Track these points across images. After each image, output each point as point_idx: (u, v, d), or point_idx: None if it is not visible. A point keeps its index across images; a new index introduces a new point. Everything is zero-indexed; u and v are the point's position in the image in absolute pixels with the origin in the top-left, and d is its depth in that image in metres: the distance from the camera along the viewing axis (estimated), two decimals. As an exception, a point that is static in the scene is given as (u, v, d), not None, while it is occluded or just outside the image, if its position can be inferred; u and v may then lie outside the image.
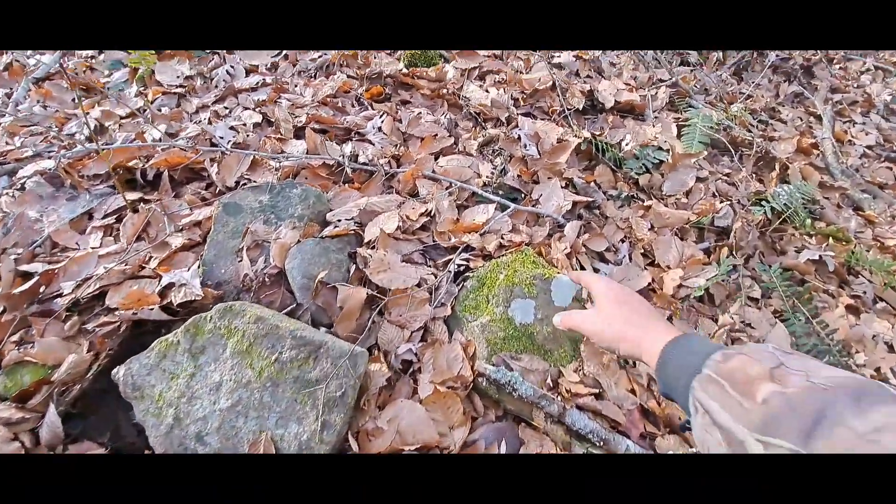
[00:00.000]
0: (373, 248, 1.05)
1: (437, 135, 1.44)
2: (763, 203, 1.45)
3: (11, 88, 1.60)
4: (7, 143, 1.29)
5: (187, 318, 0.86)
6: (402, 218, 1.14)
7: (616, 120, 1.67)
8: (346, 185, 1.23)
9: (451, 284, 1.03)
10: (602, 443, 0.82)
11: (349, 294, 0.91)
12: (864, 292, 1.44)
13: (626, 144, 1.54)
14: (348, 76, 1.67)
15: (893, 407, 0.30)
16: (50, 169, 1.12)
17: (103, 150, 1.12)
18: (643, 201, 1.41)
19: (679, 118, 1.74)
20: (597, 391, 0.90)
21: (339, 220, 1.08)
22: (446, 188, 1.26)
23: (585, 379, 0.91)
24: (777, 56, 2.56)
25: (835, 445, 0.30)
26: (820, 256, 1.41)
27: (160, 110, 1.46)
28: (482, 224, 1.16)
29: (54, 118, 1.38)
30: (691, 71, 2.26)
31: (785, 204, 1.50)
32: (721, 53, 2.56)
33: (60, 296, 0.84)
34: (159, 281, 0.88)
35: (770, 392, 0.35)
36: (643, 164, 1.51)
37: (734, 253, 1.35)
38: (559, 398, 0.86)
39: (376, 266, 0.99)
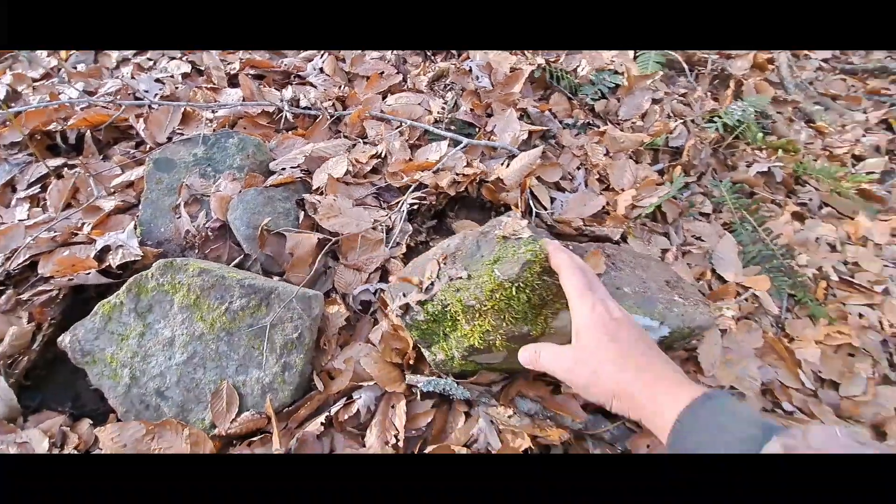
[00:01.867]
0: (321, 194, 1.02)
1: (383, 73, 1.37)
2: (715, 120, 1.45)
3: None
4: None
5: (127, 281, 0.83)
6: (352, 162, 1.10)
7: (570, 45, 1.61)
8: (290, 132, 1.17)
9: (406, 223, 1.02)
10: (547, 419, 0.80)
11: (299, 240, 0.89)
12: (811, 199, 1.50)
13: (582, 70, 1.50)
14: (283, 16, 1.54)
15: None
16: (-44, 139, 1.02)
17: (12, 114, 1.03)
18: (599, 127, 1.39)
19: (634, 39, 1.69)
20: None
21: (284, 169, 1.04)
22: (396, 128, 1.22)
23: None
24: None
25: None
26: (769, 168, 1.45)
27: (76, 68, 1.33)
28: (435, 162, 1.13)
29: (-45, 84, 1.25)
30: (649, -11, 2.17)
31: (738, 120, 1.51)
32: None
33: (-12, 269, 0.80)
34: (94, 245, 0.84)
35: None
36: (598, 90, 1.48)
37: (688, 171, 1.37)
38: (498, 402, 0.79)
39: (326, 212, 0.97)
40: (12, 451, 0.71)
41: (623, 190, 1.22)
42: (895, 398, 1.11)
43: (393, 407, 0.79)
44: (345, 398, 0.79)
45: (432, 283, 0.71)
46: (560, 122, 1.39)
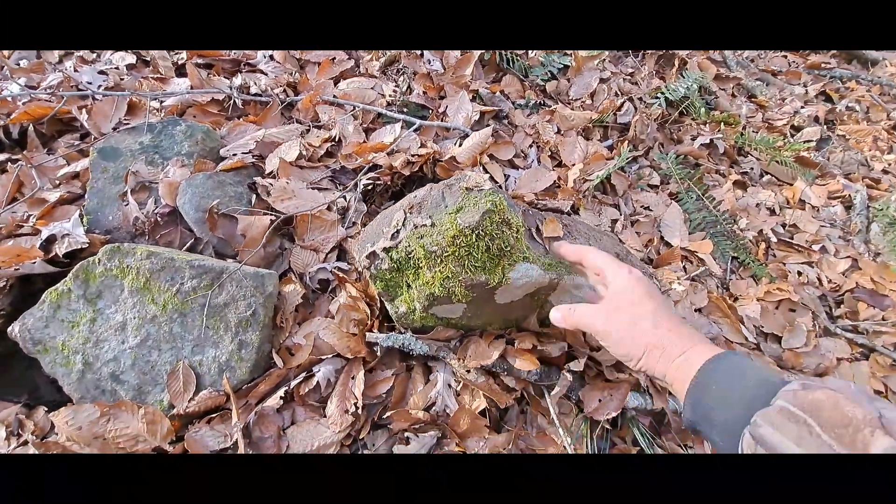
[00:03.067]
0: (274, 178, 1.02)
1: (335, 58, 1.37)
2: (659, 96, 1.52)
3: None
4: None
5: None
6: (305, 146, 1.11)
7: (521, 28, 1.65)
8: (240, 119, 1.16)
9: (360, 203, 1.03)
10: (505, 371, 0.83)
11: (250, 221, 0.90)
12: (752, 168, 1.59)
13: (532, 52, 1.54)
14: (232, 5, 1.52)
15: None
16: None
17: (-55, 108, 0.99)
18: (550, 107, 1.44)
19: (583, 21, 1.74)
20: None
21: (235, 154, 1.04)
22: (350, 112, 1.23)
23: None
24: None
25: None
26: (712, 140, 1.53)
27: (18, 64, 1.28)
28: (389, 144, 1.15)
29: None
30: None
31: (683, 96, 1.58)
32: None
33: (-74, 265, 0.78)
34: (39, 236, 0.83)
35: (890, 447, 0.29)
36: (549, 71, 1.52)
37: (635, 146, 1.43)
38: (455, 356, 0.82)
39: (279, 194, 0.98)
40: (-38, 445, 0.70)
41: (573, 165, 1.27)
42: (836, 349, 1.21)
43: (353, 378, 0.82)
44: (305, 372, 0.81)
45: (398, 231, 0.73)
46: (512, 102, 1.42)
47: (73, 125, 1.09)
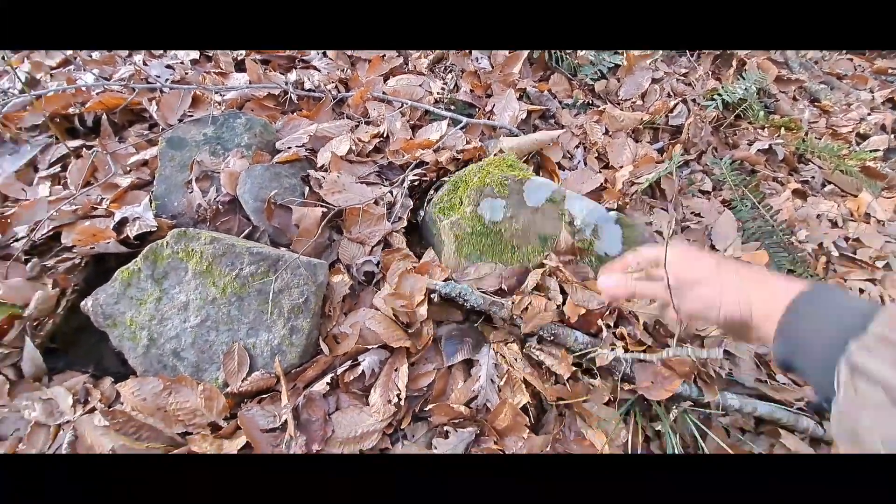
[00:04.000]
0: (326, 171, 1.05)
1: (384, 56, 1.39)
2: (715, 98, 1.46)
3: (-75, 48, 1.49)
4: (-68, 104, 1.22)
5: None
6: (354, 141, 1.13)
7: (571, 27, 1.62)
8: (295, 113, 1.20)
9: (406, 198, 1.05)
10: (552, 336, 0.87)
11: (304, 213, 0.93)
12: (813, 177, 1.50)
13: (582, 51, 1.51)
14: (288, 3, 1.58)
15: None
16: (-17, 123, 1.07)
17: (35, 98, 1.08)
18: (599, 107, 1.41)
19: (636, 20, 1.70)
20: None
21: (290, 147, 1.08)
22: (398, 109, 1.25)
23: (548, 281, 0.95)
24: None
25: None
26: (770, 146, 1.45)
27: (91, 56, 1.38)
28: (436, 141, 1.16)
29: (-23, 73, 1.30)
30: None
31: (740, 98, 1.51)
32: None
33: (17, 240, 0.85)
34: (113, 218, 0.89)
35: None
36: (598, 70, 1.49)
37: (687, 149, 1.38)
38: (510, 302, 0.88)
39: (330, 187, 1.00)
40: (37, 406, 0.76)
41: (622, 167, 1.24)
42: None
43: (396, 369, 0.83)
44: (350, 361, 0.83)
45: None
46: (560, 102, 1.40)
47: (143, 115, 1.16)
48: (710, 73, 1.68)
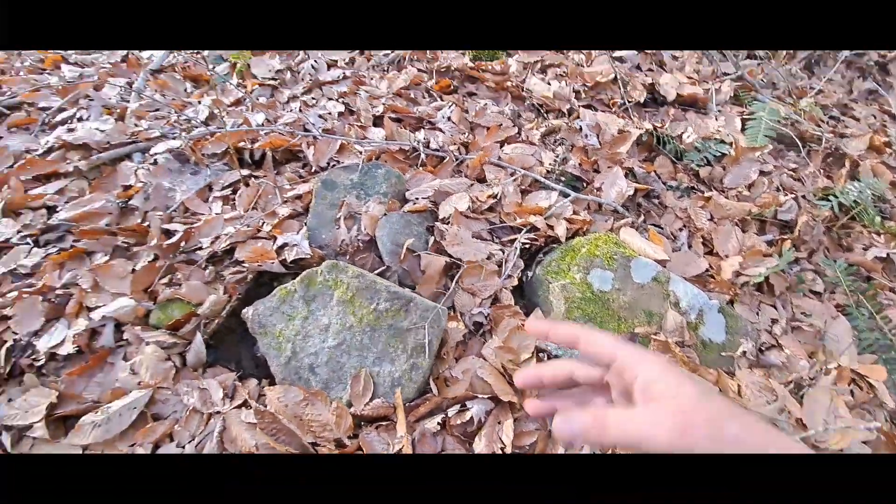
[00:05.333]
0: (447, 223, 1.17)
1: (501, 124, 1.54)
2: (830, 198, 1.44)
3: (131, 78, 1.86)
4: (136, 125, 1.52)
5: (296, 273, 1.02)
6: (472, 199, 1.25)
7: (677, 113, 1.70)
8: (421, 167, 1.36)
9: (518, 259, 1.13)
10: None
11: (431, 261, 1.04)
12: (938, 293, 1.40)
13: (688, 137, 1.58)
14: (419, 70, 1.81)
15: None
16: (178, 147, 1.32)
17: (219, 132, 1.32)
18: (703, 193, 1.44)
19: (744, 112, 1.74)
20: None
21: (417, 199, 1.21)
22: (510, 174, 1.36)
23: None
24: (850, 52, 2.43)
25: None
26: (888, 255, 1.39)
27: (258, 99, 1.65)
28: (545, 208, 1.25)
29: (172, 105, 1.61)
30: (758, 64, 2.22)
31: (854, 201, 1.48)
32: (792, 47, 2.47)
33: (200, 249, 1.03)
34: (274, 241, 1.05)
35: None
36: (704, 157, 1.54)
37: (798, 247, 1.36)
38: None
39: (451, 239, 1.11)
40: (195, 394, 0.89)
41: (727, 256, 1.25)
42: None
43: (500, 422, 0.88)
44: (459, 405, 0.89)
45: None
46: (664, 183, 1.46)
47: (298, 156, 1.37)
48: (820, 170, 1.67)
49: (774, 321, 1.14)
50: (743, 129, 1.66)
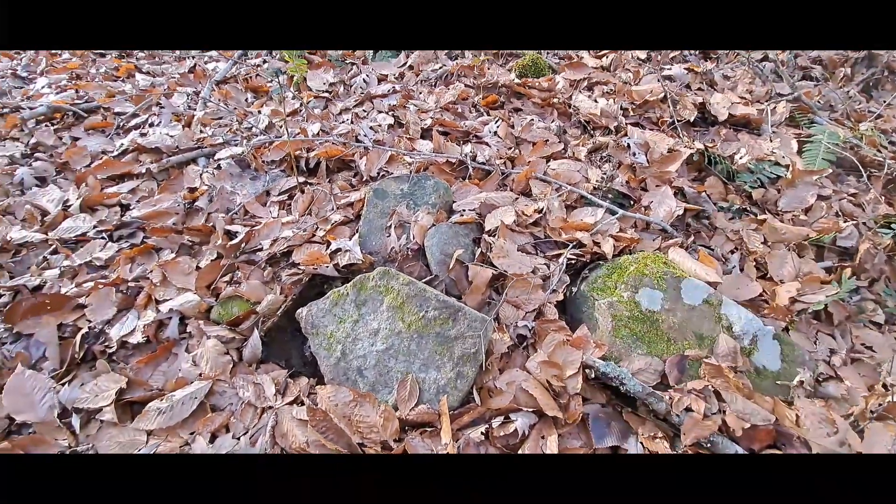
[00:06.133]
0: (493, 235, 1.19)
1: (547, 140, 1.55)
2: (893, 226, 1.36)
3: (198, 88, 1.99)
4: (201, 132, 1.63)
5: (347, 277, 1.06)
6: (517, 213, 1.26)
7: (729, 133, 1.66)
8: (467, 180, 1.39)
9: (563, 274, 1.13)
10: (709, 444, 0.86)
11: (478, 272, 1.05)
12: None
13: (740, 158, 1.54)
14: (466, 85, 1.85)
15: None
16: (240, 153, 1.41)
17: (279, 141, 1.40)
18: (756, 215, 1.40)
19: (800, 134, 1.68)
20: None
21: (464, 210, 1.24)
22: (556, 189, 1.37)
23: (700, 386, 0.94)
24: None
25: None
26: (962, 288, 1.30)
27: (314, 110, 1.74)
28: (591, 225, 1.25)
29: (235, 114, 1.72)
30: (815, 86, 2.14)
31: (921, 230, 1.39)
32: (849, 69, 2.38)
33: (260, 250, 1.09)
34: (328, 246, 1.09)
35: None
36: (758, 178, 1.49)
37: (858, 275, 1.29)
38: (668, 397, 0.90)
39: (497, 252, 1.13)
40: (250, 388, 0.93)
41: (783, 282, 1.20)
42: None
43: (543, 437, 0.87)
44: (503, 417, 0.89)
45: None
46: (714, 203, 1.42)
47: (350, 165, 1.43)
48: (882, 196, 1.58)
49: (833, 351, 1.08)
50: (800, 152, 1.60)
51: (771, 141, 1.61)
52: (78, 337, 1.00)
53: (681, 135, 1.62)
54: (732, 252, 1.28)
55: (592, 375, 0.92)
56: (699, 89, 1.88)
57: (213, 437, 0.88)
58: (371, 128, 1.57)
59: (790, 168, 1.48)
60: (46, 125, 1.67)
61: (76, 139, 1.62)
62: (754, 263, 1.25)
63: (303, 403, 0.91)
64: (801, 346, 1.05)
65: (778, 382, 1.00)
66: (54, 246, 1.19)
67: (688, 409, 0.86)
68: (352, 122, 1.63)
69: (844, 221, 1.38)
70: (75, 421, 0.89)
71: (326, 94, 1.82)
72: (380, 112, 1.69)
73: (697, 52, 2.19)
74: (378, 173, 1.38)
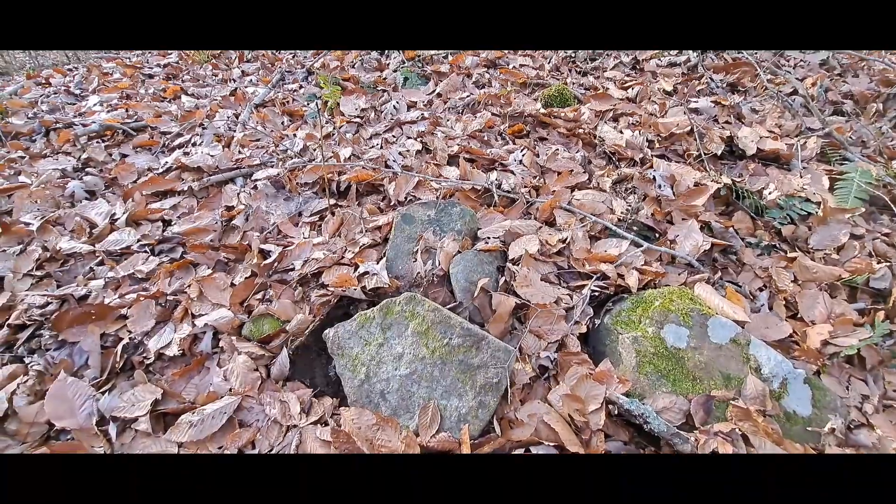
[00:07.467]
0: (517, 264, 1.20)
1: (572, 170, 1.57)
2: (935, 269, 1.32)
3: (238, 110, 2.11)
4: (240, 153, 1.72)
5: (373, 300, 1.09)
6: (541, 242, 1.28)
7: (757, 167, 1.65)
8: (492, 207, 1.41)
9: (587, 306, 1.13)
10: None
11: (502, 301, 1.07)
12: None
13: (769, 193, 1.52)
14: (492, 114, 1.90)
15: None
16: (277, 175, 1.48)
17: (313, 164, 1.46)
18: (786, 252, 1.38)
19: (831, 171, 1.66)
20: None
21: (489, 238, 1.26)
22: (580, 220, 1.38)
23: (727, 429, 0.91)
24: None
25: None
26: None
27: (346, 135, 1.81)
28: (616, 257, 1.25)
29: (272, 136, 1.80)
30: (846, 121, 2.11)
31: (964, 274, 1.34)
32: (881, 105, 2.34)
33: (292, 270, 1.13)
34: (356, 269, 1.13)
35: None
36: (788, 215, 1.47)
37: (892, 318, 1.25)
38: (693, 438, 0.89)
39: (521, 281, 1.14)
40: (276, 406, 0.96)
41: (814, 322, 1.17)
42: None
43: (563, 470, 0.87)
44: (523, 449, 0.89)
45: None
46: (742, 239, 1.41)
47: (378, 189, 1.48)
48: (921, 237, 1.53)
49: (865, 397, 1.04)
50: (831, 189, 1.58)
51: (801, 177, 1.59)
52: (119, 347, 1.06)
53: (708, 168, 1.62)
54: (761, 290, 1.26)
55: (616, 412, 0.92)
56: (727, 122, 1.88)
57: (240, 454, 0.90)
58: (400, 153, 1.62)
59: (821, 205, 1.46)
60: (98, 141, 1.79)
61: (125, 156, 1.73)
62: (784, 302, 1.23)
63: (326, 424, 0.93)
64: (833, 391, 1.02)
65: (809, 429, 0.97)
66: (101, 257, 1.26)
67: (714, 453, 0.84)
68: (381, 147, 1.69)
69: (878, 262, 1.34)
70: (112, 429, 0.93)
71: (358, 120, 1.90)
72: (409, 138, 1.75)
73: (724, 85, 2.19)
74: (406, 198, 1.42)
